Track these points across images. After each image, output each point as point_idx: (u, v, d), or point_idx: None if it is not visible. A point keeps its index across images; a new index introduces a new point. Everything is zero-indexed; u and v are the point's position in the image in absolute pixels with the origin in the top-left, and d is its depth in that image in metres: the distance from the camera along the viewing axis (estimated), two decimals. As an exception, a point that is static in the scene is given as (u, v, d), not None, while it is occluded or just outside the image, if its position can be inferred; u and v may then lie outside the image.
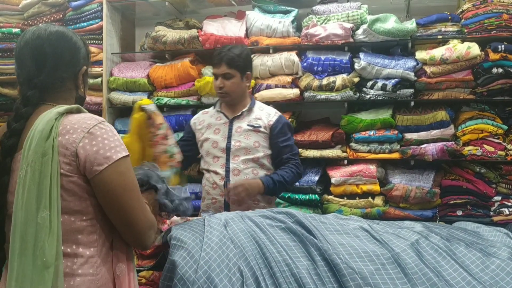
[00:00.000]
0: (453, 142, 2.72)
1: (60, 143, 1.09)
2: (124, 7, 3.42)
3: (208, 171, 2.25)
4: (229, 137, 2.22)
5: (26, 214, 1.06)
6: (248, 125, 2.22)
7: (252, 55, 3.01)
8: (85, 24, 3.33)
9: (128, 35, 3.61)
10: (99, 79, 3.29)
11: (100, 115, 3.17)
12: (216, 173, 2.21)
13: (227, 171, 2.18)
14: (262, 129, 2.21)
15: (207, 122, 2.33)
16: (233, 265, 1.34)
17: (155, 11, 3.48)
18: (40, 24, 1.32)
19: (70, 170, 1.10)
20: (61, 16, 3.40)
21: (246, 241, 1.42)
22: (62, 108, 1.15)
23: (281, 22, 2.98)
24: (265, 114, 2.25)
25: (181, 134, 3.09)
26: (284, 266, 1.34)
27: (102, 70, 3.27)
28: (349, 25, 2.85)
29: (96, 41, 3.31)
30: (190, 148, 2.34)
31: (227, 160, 2.20)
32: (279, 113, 2.30)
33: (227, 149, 2.21)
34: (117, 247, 1.19)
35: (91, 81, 3.29)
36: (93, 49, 3.28)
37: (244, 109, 2.25)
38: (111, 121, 3.36)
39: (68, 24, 3.37)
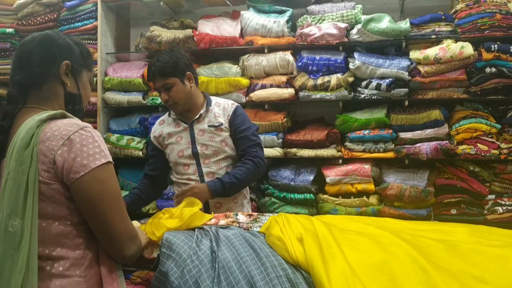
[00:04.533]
0: (447, 141, 2.74)
1: (40, 151, 1.09)
2: (118, 7, 3.42)
3: (181, 179, 2.19)
4: (193, 143, 2.16)
5: (0, 222, 1.06)
6: (208, 126, 2.16)
7: (247, 55, 3.04)
8: (79, 24, 3.32)
9: (122, 35, 3.61)
10: (94, 79, 3.28)
11: (95, 115, 3.23)
12: (190, 179, 2.15)
13: (201, 175, 2.14)
14: (223, 127, 2.16)
15: (166, 132, 2.23)
16: (224, 278, 1.28)
17: (150, 11, 3.48)
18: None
19: (49, 177, 1.09)
20: (55, 16, 3.39)
21: (238, 243, 1.39)
22: (44, 114, 1.14)
23: (276, 22, 2.99)
24: (222, 110, 2.19)
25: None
26: (280, 271, 1.29)
27: (97, 70, 3.27)
28: (343, 25, 2.86)
29: (91, 41, 3.31)
30: (162, 163, 2.27)
31: (198, 165, 2.15)
32: (236, 104, 2.24)
33: (195, 155, 2.15)
34: (104, 249, 1.19)
35: (85, 81, 3.27)
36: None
37: (202, 110, 2.18)
38: (106, 121, 3.35)
39: (62, 24, 3.37)
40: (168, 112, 2.28)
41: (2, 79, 3.49)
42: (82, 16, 3.32)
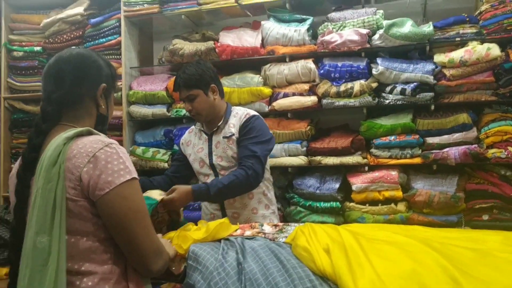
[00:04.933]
0: (476, 145, 2.67)
1: (67, 168, 1.11)
2: (141, 22, 3.47)
3: None
4: (210, 154, 2.22)
5: (30, 238, 1.09)
6: (223, 137, 2.20)
7: (268, 65, 3.04)
8: (103, 40, 3.40)
9: (146, 49, 3.66)
10: (118, 93, 3.34)
11: (121, 129, 3.28)
12: None
13: None
14: (234, 137, 2.18)
15: (192, 142, 2.34)
16: None
17: (171, 24, 3.52)
18: (66, 49, 1.36)
19: (76, 194, 1.12)
20: (80, 33, 3.47)
21: (265, 255, 1.38)
22: (71, 132, 1.17)
23: (297, 31, 2.99)
24: (237, 119, 2.22)
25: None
26: (307, 282, 1.28)
27: (121, 85, 3.32)
28: (365, 31, 2.83)
29: (115, 56, 3.37)
30: (184, 167, 2.35)
31: (216, 175, 2.20)
32: (251, 114, 2.22)
33: (212, 166, 2.21)
34: (130, 267, 1.20)
35: (111, 95, 3.33)
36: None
37: (220, 122, 2.23)
38: (131, 134, 3.40)
39: (87, 40, 3.45)
40: (196, 123, 2.37)
41: (31, 96, 3.59)
42: (106, 32, 3.40)
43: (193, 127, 2.41)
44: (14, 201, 1.21)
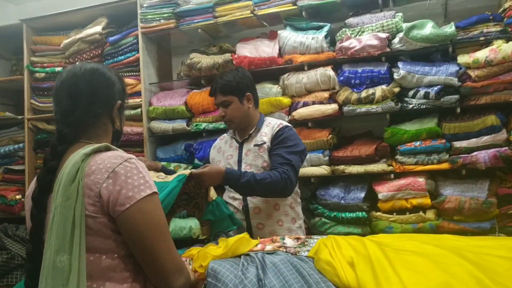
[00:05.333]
0: (506, 148, 2.55)
1: (85, 185, 1.09)
2: (159, 37, 3.49)
3: (228, 197, 2.22)
4: (239, 161, 2.20)
5: (49, 258, 1.06)
6: (254, 145, 2.18)
7: (286, 74, 3.00)
8: (122, 57, 3.42)
9: (164, 64, 3.68)
10: (138, 110, 3.34)
11: (141, 145, 3.28)
12: (235, 198, 2.18)
13: (244, 198, 2.15)
14: (266, 145, 2.16)
15: (222, 149, 2.33)
16: None
17: (189, 39, 3.53)
18: (77, 63, 1.35)
19: (95, 211, 1.09)
20: (99, 51, 3.51)
21: (286, 270, 1.32)
22: (89, 148, 1.15)
23: (314, 38, 2.94)
24: (270, 129, 2.21)
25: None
26: None
27: (141, 101, 3.33)
28: (384, 35, 2.76)
29: (134, 73, 3.39)
30: None
31: None
32: (284, 124, 2.22)
33: None
34: (151, 283, 1.17)
35: (131, 112, 3.35)
36: (131, 80, 3.35)
37: (252, 131, 2.22)
38: (153, 150, 3.40)
39: (106, 58, 3.48)
40: (228, 130, 2.39)
41: (52, 116, 3.63)
42: (125, 50, 3.42)
43: (225, 134, 2.41)
44: (30, 225, 1.19)
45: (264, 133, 2.21)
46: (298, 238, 1.59)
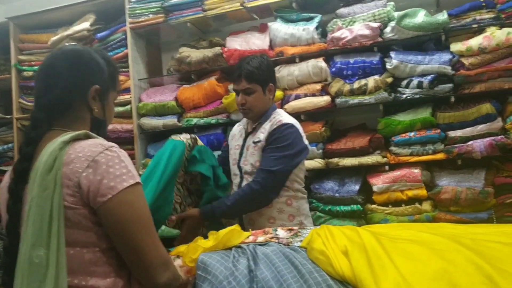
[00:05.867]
0: (502, 136, 2.51)
1: (64, 174, 1.02)
2: (147, 33, 3.43)
3: (232, 187, 2.17)
4: (241, 155, 2.13)
5: (24, 253, 1.00)
6: (253, 142, 2.10)
7: (278, 66, 2.95)
8: (111, 53, 3.35)
9: (154, 60, 3.62)
10: (128, 106, 3.29)
11: (132, 142, 3.22)
12: (232, 191, 2.14)
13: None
14: (260, 144, 2.07)
15: (236, 136, 2.26)
16: None
17: (178, 34, 3.47)
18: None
19: (74, 202, 1.03)
20: (88, 48, 3.45)
21: (278, 260, 1.27)
22: (67, 136, 1.08)
23: (305, 30, 2.89)
24: (269, 126, 2.08)
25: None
26: (325, 287, 1.17)
27: (131, 97, 3.28)
28: (376, 24, 2.72)
29: (123, 69, 3.33)
30: (227, 160, 2.27)
31: (241, 178, 2.11)
32: (283, 122, 2.06)
33: (239, 168, 2.12)
34: (134, 279, 1.11)
35: (121, 108, 3.29)
36: (120, 77, 3.28)
37: (256, 124, 2.14)
38: (143, 147, 3.34)
39: (95, 55, 3.41)
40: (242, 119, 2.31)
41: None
42: (113, 46, 3.37)
43: (244, 119, 2.29)
44: (6, 218, 1.12)
45: (264, 130, 2.10)
46: (291, 229, 1.54)
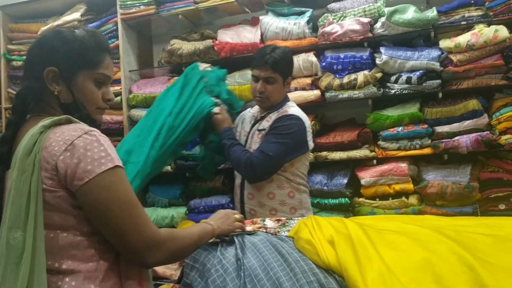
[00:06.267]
0: (488, 132, 2.55)
1: (42, 158, 1.03)
2: (139, 24, 3.42)
3: (235, 176, 2.17)
4: (246, 141, 2.14)
5: (3, 235, 1.00)
6: (258, 129, 2.12)
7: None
8: (102, 44, 3.34)
9: (145, 52, 3.61)
10: (118, 98, 3.28)
11: (122, 134, 3.21)
12: (237, 177, 2.15)
13: (243, 178, 2.10)
14: (264, 132, 2.09)
15: (246, 121, 2.27)
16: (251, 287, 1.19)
17: (170, 26, 3.46)
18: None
19: (53, 185, 1.03)
20: (78, 39, 3.42)
21: (265, 249, 1.29)
22: (48, 120, 1.08)
23: (296, 24, 2.91)
24: (276, 115, 2.11)
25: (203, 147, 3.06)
26: (311, 276, 1.19)
27: (121, 89, 3.27)
28: (366, 20, 2.74)
29: (114, 60, 3.32)
30: None
31: None
32: (289, 112, 2.09)
33: None
34: (123, 261, 1.11)
35: (111, 100, 3.28)
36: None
37: (263, 113, 2.17)
38: (134, 139, 3.33)
39: (85, 46, 3.39)
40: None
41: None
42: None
43: (256, 106, 2.30)
44: None
45: (270, 119, 2.11)
46: (279, 220, 1.57)
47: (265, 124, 2.11)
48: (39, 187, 1.01)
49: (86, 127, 1.09)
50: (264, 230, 1.46)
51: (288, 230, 1.45)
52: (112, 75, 1.28)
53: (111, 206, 1.04)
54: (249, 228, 1.49)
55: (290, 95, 2.87)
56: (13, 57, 3.58)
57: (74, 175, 1.02)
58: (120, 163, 1.08)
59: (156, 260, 1.10)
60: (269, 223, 1.54)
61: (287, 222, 1.53)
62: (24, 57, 3.35)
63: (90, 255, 1.06)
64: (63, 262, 1.04)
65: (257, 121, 2.19)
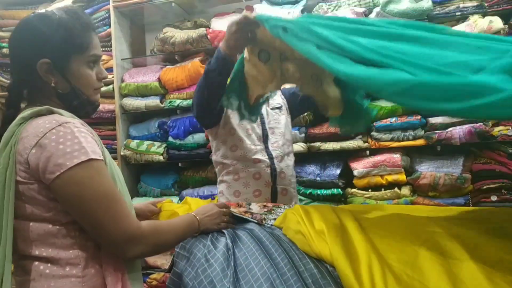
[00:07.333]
0: (481, 123, 2.54)
1: (17, 150, 1.02)
2: (132, 12, 3.38)
3: (245, 160, 1.94)
4: (263, 123, 2.00)
5: None
6: (271, 108, 2.06)
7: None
8: (94, 32, 3.30)
9: (138, 40, 3.57)
10: (110, 86, 3.25)
11: (114, 123, 3.18)
12: (258, 160, 1.92)
13: (271, 158, 1.94)
14: (283, 108, 2.09)
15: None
16: (242, 276, 1.18)
17: (163, 14, 3.42)
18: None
19: (26, 177, 1.03)
20: (69, 26, 3.38)
21: (256, 240, 1.27)
22: (27, 112, 1.06)
23: (290, 13, 2.88)
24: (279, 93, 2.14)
25: (196, 136, 3.04)
26: (302, 265, 1.18)
27: (113, 77, 3.24)
28: (361, 10, 2.72)
29: (106, 48, 3.28)
30: None
31: (267, 147, 1.97)
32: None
33: (265, 136, 1.99)
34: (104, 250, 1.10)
35: (103, 88, 3.24)
36: (103, 56, 3.24)
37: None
38: (125, 128, 3.32)
39: (77, 33, 3.36)
40: None
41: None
42: (96, 24, 3.30)
43: None
44: None
45: (274, 98, 2.07)
46: (265, 205, 1.55)
47: (275, 102, 2.08)
48: (13, 178, 1.02)
49: (62, 118, 1.06)
50: (250, 216, 1.44)
51: (274, 218, 1.43)
52: (101, 52, 1.23)
53: (86, 200, 1.02)
54: (234, 210, 1.47)
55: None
56: (3, 44, 3.53)
57: (45, 168, 1.00)
58: (96, 156, 1.04)
59: (135, 253, 1.09)
60: (255, 207, 1.52)
61: (274, 210, 1.51)
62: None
63: (70, 244, 1.06)
64: (44, 249, 1.04)
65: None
